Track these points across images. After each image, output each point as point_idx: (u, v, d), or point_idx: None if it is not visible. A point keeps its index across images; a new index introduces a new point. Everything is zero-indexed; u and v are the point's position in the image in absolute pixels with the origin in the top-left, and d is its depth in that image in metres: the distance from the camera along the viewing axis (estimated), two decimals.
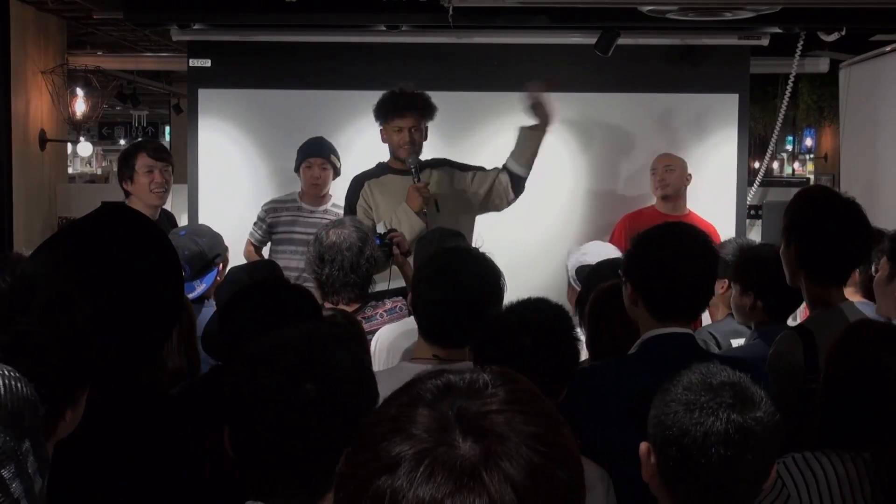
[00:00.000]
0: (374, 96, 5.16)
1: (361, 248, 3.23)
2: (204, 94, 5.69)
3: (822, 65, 6.04)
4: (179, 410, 1.96)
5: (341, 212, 4.75)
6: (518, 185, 4.58)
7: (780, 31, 5.33)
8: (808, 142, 12.54)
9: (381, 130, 4.44)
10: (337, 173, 4.90)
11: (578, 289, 3.58)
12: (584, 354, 2.86)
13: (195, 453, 1.75)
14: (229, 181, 5.67)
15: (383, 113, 4.39)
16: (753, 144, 8.78)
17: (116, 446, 1.65)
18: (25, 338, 1.22)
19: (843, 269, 2.67)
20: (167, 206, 5.02)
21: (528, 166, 4.60)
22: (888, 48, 5.41)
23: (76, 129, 7.36)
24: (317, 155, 4.83)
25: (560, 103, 5.52)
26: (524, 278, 3.85)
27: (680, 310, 2.32)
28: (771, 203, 5.51)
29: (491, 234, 4.66)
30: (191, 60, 5.70)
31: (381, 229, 3.95)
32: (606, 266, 3.32)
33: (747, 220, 5.66)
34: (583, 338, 2.87)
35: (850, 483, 1.92)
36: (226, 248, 3.67)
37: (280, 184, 5.38)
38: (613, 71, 5.42)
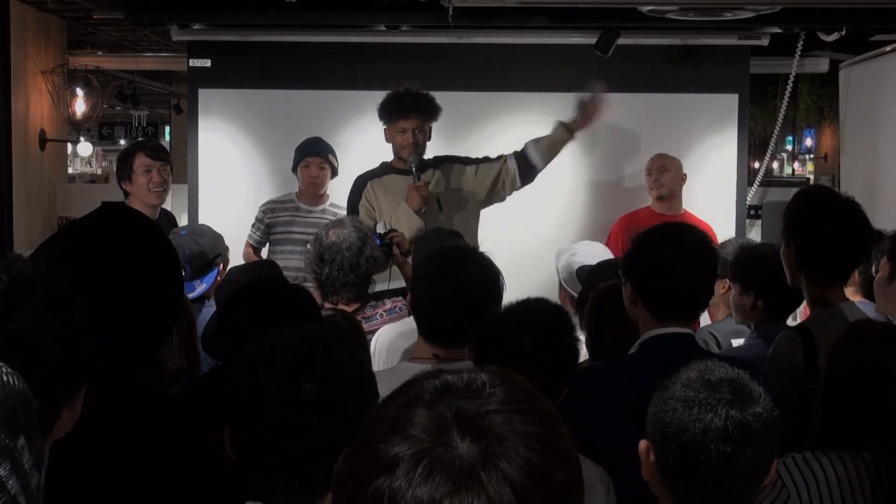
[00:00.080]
0: (374, 96, 5.16)
1: (361, 248, 3.23)
2: (204, 94, 5.69)
3: (822, 65, 6.05)
4: (179, 410, 1.96)
5: (339, 211, 4.76)
6: (528, 173, 4.61)
7: (780, 31, 5.33)
8: (808, 142, 12.55)
9: (384, 130, 4.45)
10: (335, 173, 4.90)
11: (569, 290, 3.58)
12: (584, 354, 2.86)
13: (195, 453, 1.75)
14: (229, 181, 5.67)
15: (387, 113, 4.39)
16: (753, 144, 8.79)
17: (116, 446, 1.65)
18: (20, 336, 1.21)
19: (843, 269, 2.67)
20: (167, 206, 5.02)
21: (546, 160, 4.65)
22: (888, 48, 5.41)
23: (76, 129, 7.36)
24: (315, 154, 4.83)
25: (560, 103, 5.53)
26: (524, 278, 3.84)
27: (680, 310, 2.32)
28: (771, 203, 5.51)
29: (491, 234, 4.68)
30: (191, 60, 5.70)
31: (381, 229, 3.96)
32: (606, 266, 3.32)
33: (747, 220, 5.66)
34: (583, 338, 2.87)
35: (850, 483, 1.92)
36: (226, 249, 3.67)
37: (280, 184, 5.38)
38: (613, 71, 5.41)
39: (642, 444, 1.73)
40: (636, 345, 2.34)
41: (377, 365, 2.85)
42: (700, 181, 5.53)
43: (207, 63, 5.65)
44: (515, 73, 5.55)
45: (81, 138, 7.82)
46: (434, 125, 4.47)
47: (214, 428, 1.56)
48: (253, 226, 4.95)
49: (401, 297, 3.35)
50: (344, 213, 4.70)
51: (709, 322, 3.57)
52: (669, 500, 1.73)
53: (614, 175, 5.59)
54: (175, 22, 5.55)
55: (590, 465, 2.06)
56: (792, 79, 5.66)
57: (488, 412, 0.82)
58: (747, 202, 5.63)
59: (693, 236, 2.39)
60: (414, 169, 4.32)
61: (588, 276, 3.43)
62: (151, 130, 13.51)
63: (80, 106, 6.90)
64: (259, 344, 1.53)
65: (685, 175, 5.13)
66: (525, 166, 4.60)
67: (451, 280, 2.42)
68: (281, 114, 5.60)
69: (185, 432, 1.77)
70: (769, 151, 6.31)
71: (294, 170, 4.89)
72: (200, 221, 5.30)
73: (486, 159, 4.64)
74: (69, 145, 7.84)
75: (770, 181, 6.68)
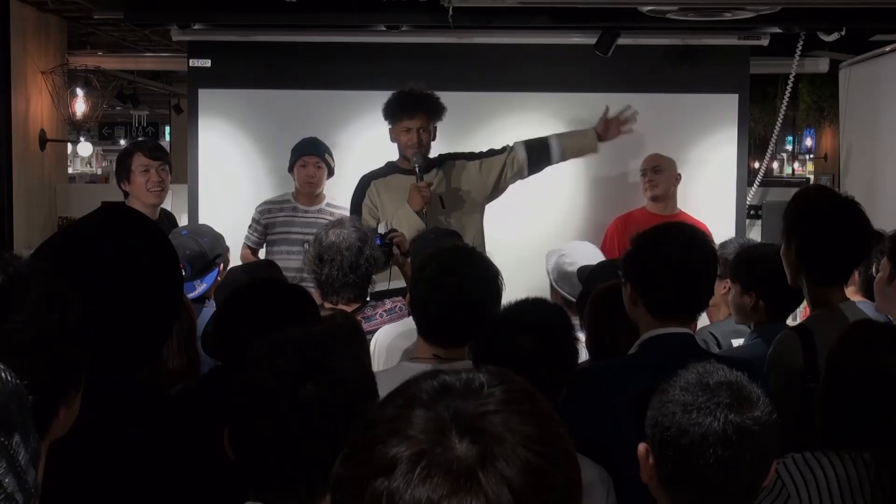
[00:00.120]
0: (374, 96, 5.17)
1: (361, 249, 3.23)
2: (204, 94, 5.69)
3: (822, 65, 6.04)
4: (179, 410, 1.96)
5: (336, 211, 4.78)
6: (539, 165, 4.67)
7: (780, 31, 5.33)
8: (808, 142, 12.54)
9: (389, 130, 4.46)
10: (331, 173, 4.91)
11: (561, 292, 3.58)
12: (584, 354, 2.86)
13: (195, 453, 1.75)
14: (229, 181, 5.67)
15: (392, 113, 4.40)
16: (753, 144, 8.78)
17: (115, 446, 1.65)
18: (15, 335, 1.21)
19: (843, 270, 2.67)
20: (167, 206, 5.03)
21: (563, 158, 4.74)
22: (888, 48, 5.41)
23: (76, 129, 7.36)
24: (312, 153, 4.83)
25: (560, 103, 5.55)
26: (524, 278, 3.83)
27: (680, 310, 2.33)
28: (771, 203, 5.51)
29: (491, 233, 4.69)
30: (191, 60, 5.70)
31: (382, 229, 3.96)
32: (606, 266, 3.32)
33: (747, 220, 5.66)
34: (583, 338, 2.87)
35: (850, 483, 1.92)
36: (227, 249, 3.67)
37: (279, 183, 5.38)
38: (613, 71, 5.42)
39: (641, 447, 1.73)
40: (636, 345, 2.34)
41: (377, 365, 2.85)
42: (700, 181, 5.52)
43: (207, 63, 5.65)
44: (515, 73, 5.55)
45: (81, 138, 7.81)
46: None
47: (214, 428, 1.56)
48: (249, 227, 4.94)
49: (400, 297, 3.35)
50: (341, 212, 4.72)
51: (707, 323, 3.56)
52: (668, 503, 1.73)
53: (615, 175, 5.59)
54: (175, 22, 5.55)
55: (590, 465, 2.06)
56: (792, 79, 5.66)
57: (486, 413, 0.82)
58: (747, 202, 5.63)
59: (693, 236, 2.39)
60: (417, 169, 4.33)
61: (588, 276, 3.43)
62: (151, 130, 13.51)
63: (80, 106, 6.90)
64: (259, 344, 1.53)
65: (679, 175, 5.14)
66: (538, 157, 4.66)
67: (450, 280, 2.42)
68: (281, 114, 5.60)
69: (185, 432, 1.77)
70: (769, 151, 6.30)
71: (290, 169, 4.89)
72: (200, 221, 5.30)
73: (491, 152, 4.69)
74: (69, 145, 7.84)
75: (770, 181, 6.68)
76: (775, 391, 2.38)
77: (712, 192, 5.52)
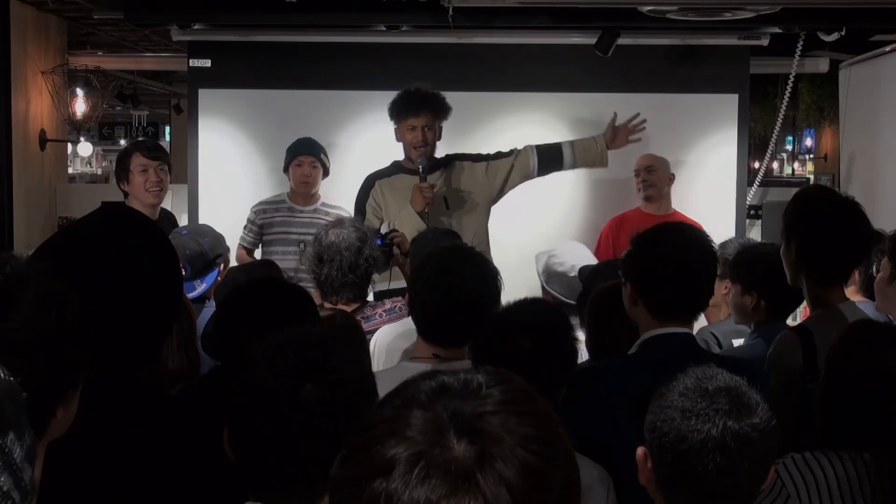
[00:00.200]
0: (374, 96, 5.17)
1: (360, 249, 3.23)
2: (204, 94, 5.69)
3: (822, 65, 6.05)
4: (179, 410, 1.96)
5: (331, 211, 4.79)
6: (549, 169, 4.68)
7: (780, 31, 5.33)
8: (808, 142, 12.55)
9: (395, 129, 4.46)
10: (326, 173, 4.91)
11: (552, 292, 3.58)
12: (584, 354, 2.86)
13: (195, 453, 1.75)
14: (229, 181, 5.67)
15: (397, 111, 4.41)
16: (753, 144, 8.78)
17: (115, 446, 1.65)
18: (12, 335, 1.21)
19: (842, 270, 2.67)
20: (167, 206, 5.03)
21: (574, 166, 4.77)
22: (888, 48, 5.41)
23: (76, 129, 7.36)
24: (307, 153, 4.84)
25: (560, 103, 5.55)
26: (524, 278, 3.84)
27: (680, 309, 2.32)
28: (771, 203, 5.51)
29: (492, 234, 4.69)
30: (191, 60, 5.70)
31: (384, 230, 3.97)
32: (606, 266, 3.32)
33: (747, 220, 5.66)
34: (582, 338, 2.87)
35: (850, 483, 1.92)
36: (227, 249, 3.67)
37: (279, 184, 5.37)
38: (613, 71, 5.42)
39: (640, 450, 1.73)
40: (636, 345, 2.34)
41: (376, 365, 2.85)
42: (700, 181, 5.53)
43: (207, 63, 5.65)
44: (515, 73, 5.56)
45: (81, 138, 7.81)
46: None
47: (214, 428, 1.56)
48: (245, 228, 4.94)
49: (400, 297, 3.35)
50: (336, 212, 4.75)
51: (705, 323, 3.56)
52: None
53: (615, 175, 5.58)
54: (175, 22, 5.55)
55: (590, 465, 2.06)
56: (792, 79, 5.66)
57: (485, 413, 0.82)
58: (747, 202, 5.63)
59: (692, 236, 2.39)
60: (421, 169, 4.33)
61: (588, 276, 3.43)
62: (151, 130, 13.50)
63: (80, 106, 6.90)
64: (259, 344, 1.53)
65: (673, 175, 5.14)
66: (548, 164, 4.66)
67: (448, 280, 2.42)
68: (281, 114, 5.60)
69: (185, 432, 1.77)
70: (769, 151, 6.31)
71: (285, 170, 4.89)
72: (200, 221, 5.30)
73: (498, 154, 4.69)
74: (69, 145, 7.84)
75: (770, 181, 6.68)
76: (775, 391, 2.39)
77: (712, 192, 5.52)
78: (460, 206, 4.50)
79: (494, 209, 4.75)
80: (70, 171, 10.71)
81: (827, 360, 2.09)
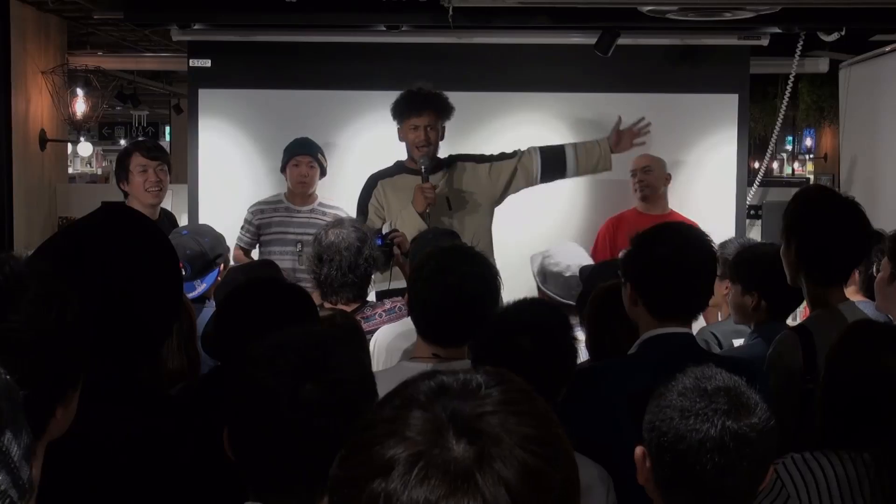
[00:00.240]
0: (375, 96, 5.17)
1: (360, 249, 3.23)
2: (204, 94, 5.69)
3: (822, 65, 6.05)
4: (179, 410, 1.96)
5: (328, 211, 4.80)
6: (550, 174, 4.69)
7: (780, 31, 5.33)
8: (808, 142, 12.56)
9: (398, 129, 4.46)
10: (323, 173, 4.92)
11: (548, 293, 3.58)
12: (584, 354, 2.86)
13: (195, 453, 1.75)
14: (229, 181, 5.67)
15: (400, 111, 4.41)
16: (753, 144, 8.79)
17: (115, 446, 1.65)
18: (11, 335, 1.21)
19: (842, 270, 2.67)
20: (168, 206, 5.03)
21: (577, 173, 4.77)
22: (888, 48, 5.41)
23: (76, 129, 7.36)
24: (305, 153, 4.84)
25: (560, 103, 5.55)
26: (525, 278, 3.84)
27: (680, 309, 2.32)
28: (771, 203, 5.51)
29: (494, 234, 4.68)
30: (191, 60, 5.70)
31: (386, 229, 3.97)
32: (607, 266, 3.32)
33: (747, 220, 5.66)
34: (582, 338, 2.86)
35: (850, 484, 1.92)
36: (228, 249, 3.67)
37: (279, 184, 5.37)
38: (613, 71, 5.42)
39: (638, 450, 1.73)
40: (636, 345, 2.34)
41: (376, 365, 2.85)
42: (700, 181, 5.53)
43: (207, 63, 5.65)
44: (515, 73, 5.56)
45: (81, 138, 7.81)
46: None
47: (214, 428, 1.56)
48: (242, 228, 4.93)
49: (400, 297, 3.35)
50: (333, 212, 4.76)
51: (703, 323, 3.56)
52: None
53: (615, 175, 5.57)
54: (175, 22, 5.55)
55: (590, 464, 2.06)
56: (792, 79, 5.66)
57: (484, 413, 0.82)
58: (747, 202, 5.63)
59: (692, 236, 2.39)
60: (423, 170, 4.34)
61: (588, 276, 3.43)
62: (151, 130, 13.50)
63: (80, 106, 6.90)
64: (259, 344, 1.53)
65: (669, 175, 5.13)
66: (552, 167, 4.66)
67: (447, 279, 2.42)
68: (281, 114, 5.60)
69: (185, 432, 1.77)
70: (769, 151, 6.31)
71: (283, 170, 4.90)
72: (200, 221, 5.30)
73: (502, 155, 4.68)
74: (69, 145, 7.84)
75: (770, 181, 6.68)
76: (775, 391, 2.39)
77: (712, 192, 5.52)
78: (463, 207, 4.50)
79: (496, 209, 4.74)
80: (70, 171, 10.71)
81: (827, 360, 2.09)
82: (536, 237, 5.33)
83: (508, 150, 4.74)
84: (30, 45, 6.17)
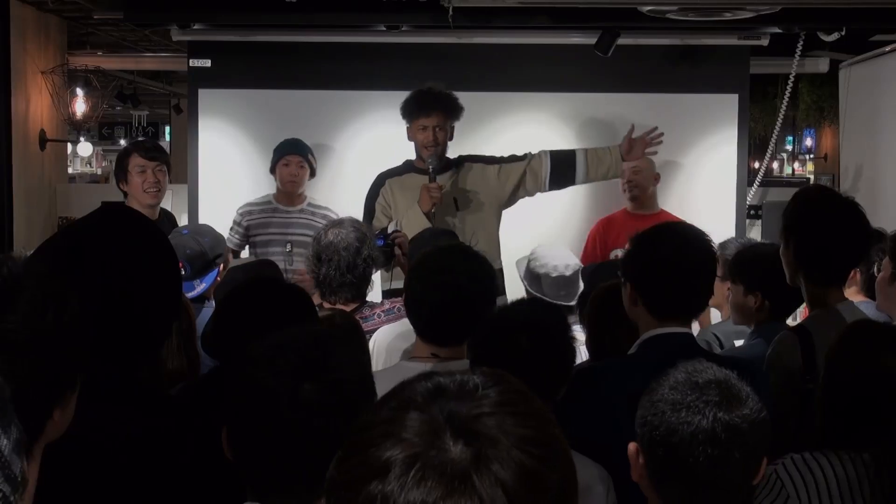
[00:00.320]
0: (374, 96, 5.16)
1: (359, 249, 3.23)
2: (204, 94, 5.69)
3: (822, 65, 6.05)
4: (179, 410, 1.96)
5: (317, 211, 4.83)
6: (560, 180, 4.68)
7: (780, 31, 5.33)
8: (808, 142, 12.55)
9: (406, 128, 4.47)
10: (313, 173, 4.92)
11: (536, 296, 3.58)
12: (583, 354, 2.86)
13: (195, 453, 1.75)
14: (229, 181, 5.67)
15: (409, 111, 4.42)
16: (753, 144, 8.78)
17: (115, 446, 1.65)
18: (7, 335, 1.21)
19: (841, 270, 2.67)
20: (167, 206, 5.03)
21: (587, 180, 4.76)
22: (888, 48, 5.41)
23: (76, 129, 7.36)
24: (294, 153, 4.85)
25: (560, 103, 5.55)
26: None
27: (679, 309, 2.33)
28: (771, 203, 5.51)
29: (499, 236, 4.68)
30: (191, 60, 5.70)
31: (392, 228, 3.98)
32: (606, 266, 3.32)
33: (747, 220, 5.66)
34: (582, 338, 2.87)
35: (850, 484, 1.92)
36: (227, 249, 3.67)
37: None
38: (613, 71, 5.42)
39: (631, 446, 1.73)
40: (636, 345, 2.34)
41: (376, 365, 2.85)
42: (700, 181, 5.53)
43: (207, 63, 5.65)
44: (515, 73, 5.56)
45: (81, 138, 7.81)
46: None
47: (214, 428, 1.56)
48: (231, 229, 4.92)
49: (399, 298, 3.35)
50: (323, 212, 4.80)
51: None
52: (659, 502, 1.73)
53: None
54: (175, 22, 5.55)
55: (590, 464, 2.06)
56: (792, 79, 5.66)
57: (481, 414, 0.82)
58: (747, 202, 5.63)
59: (692, 235, 2.39)
60: (431, 170, 4.34)
61: (588, 276, 3.43)
62: (151, 130, 13.50)
63: (80, 106, 6.90)
64: (259, 344, 1.53)
65: (658, 175, 5.12)
66: (562, 172, 4.65)
67: (443, 279, 2.41)
68: (281, 114, 5.60)
69: (185, 432, 1.77)
70: (769, 151, 6.31)
71: (272, 170, 4.90)
72: (200, 221, 5.30)
73: (512, 157, 4.67)
74: (69, 145, 7.84)
75: (770, 181, 6.68)
76: (774, 391, 2.39)
77: (712, 192, 5.52)
78: (469, 208, 4.50)
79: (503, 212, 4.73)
80: (70, 171, 10.71)
81: (826, 360, 2.09)
82: (537, 238, 5.34)
83: (514, 152, 4.73)
84: (30, 45, 6.17)
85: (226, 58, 5.64)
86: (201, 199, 5.69)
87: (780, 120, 5.97)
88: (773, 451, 1.94)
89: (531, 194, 4.71)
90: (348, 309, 3.15)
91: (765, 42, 5.48)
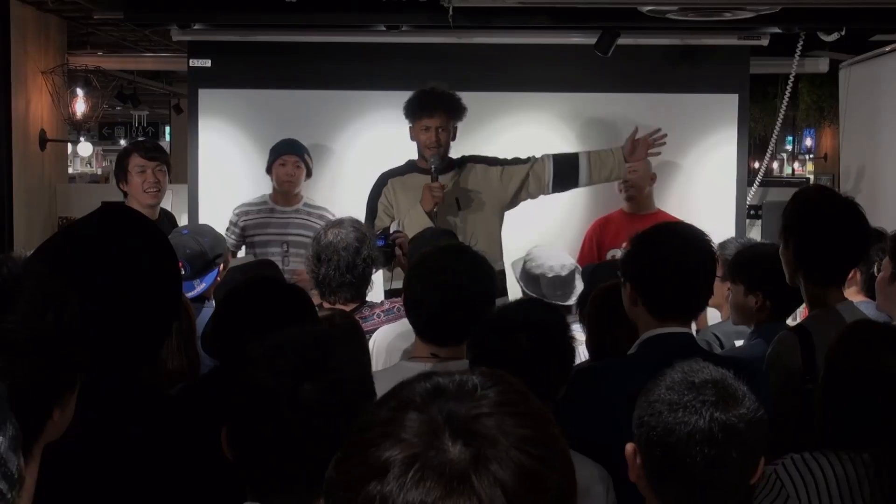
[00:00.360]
0: (374, 96, 5.16)
1: (358, 249, 3.23)
2: (204, 94, 5.69)
3: (822, 65, 6.04)
4: (179, 410, 1.96)
5: (313, 211, 4.83)
6: (563, 182, 4.67)
7: (780, 31, 5.33)
8: (808, 142, 12.55)
9: (409, 128, 4.47)
10: (309, 174, 4.92)
11: (532, 295, 3.58)
12: (583, 354, 2.86)
13: (195, 453, 1.75)
14: (229, 181, 5.67)
15: (412, 111, 4.42)
16: (753, 144, 8.78)
17: (115, 446, 1.65)
18: (8, 336, 1.21)
19: (840, 270, 2.67)
20: (167, 206, 5.03)
21: (590, 182, 4.74)
22: (888, 48, 5.41)
23: (76, 129, 7.36)
24: (291, 153, 4.85)
25: (560, 103, 5.54)
26: None
27: (679, 309, 2.33)
28: (771, 203, 5.51)
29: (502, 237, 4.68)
30: (191, 60, 5.70)
31: (394, 227, 3.98)
32: (607, 266, 3.32)
33: (747, 220, 5.66)
34: (582, 338, 2.87)
35: (850, 484, 1.92)
36: (227, 249, 3.67)
37: None
38: (613, 71, 5.42)
39: (629, 446, 1.73)
40: (636, 345, 2.34)
41: (376, 366, 2.85)
42: (700, 181, 5.53)
43: (207, 63, 5.65)
44: (515, 73, 5.55)
45: (81, 138, 7.81)
46: None
47: (214, 428, 1.56)
48: (227, 230, 4.91)
49: (399, 298, 3.35)
50: (319, 212, 4.80)
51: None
52: (656, 502, 1.73)
53: None
54: (175, 22, 5.55)
55: (590, 464, 2.06)
56: (792, 79, 5.66)
57: (480, 415, 0.81)
58: (747, 202, 5.63)
59: (692, 236, 2.39)
60: (433, 169, 4.34)
61: (589, 276, 3.43)
62: (151, 130, 13.50)
63: (80, 106, 6.90)
64: (259, 344, 1.53)
65: (654, 174, 5.12)
66: (565, 175, 4.65)
67: (442, 279, 2.42)
68: (281, 114, 5.60)
69: (185, 432, 1.77)
70: (769, 151, 6.31)
71: (268, 170, 4.90)
72: (200, 221, 5.30)
73: (516, 160, 4.66)
74: (69, 145, 7.84)
75: (770, 181, 6.68)
76: (774, 391, 2.39)
77: (712, 192, 5.52)
78: (471, 209, 4.51)
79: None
80: (70, 171, 10.71)
81: (826, 360, 2.09)
82: (536, 239, 5.34)
83: (513, 152, 4.73)
84: (30, 45, 6.17)
85: (226, 58, 5.64)
86: (201, 199, 5.68)
87: (780, 120, 5.97)
88: (773, 451, 1.95)
89: (534, 197, 4.71)
90: (348, 309, 3.15)
91: (765, 42, 5.48)
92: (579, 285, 3.64)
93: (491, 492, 0.77)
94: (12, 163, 5.86)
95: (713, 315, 3.88)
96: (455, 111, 4.43)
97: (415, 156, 4.57)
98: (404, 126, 4.54)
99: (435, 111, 4.38)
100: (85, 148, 8.26)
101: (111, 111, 11.29)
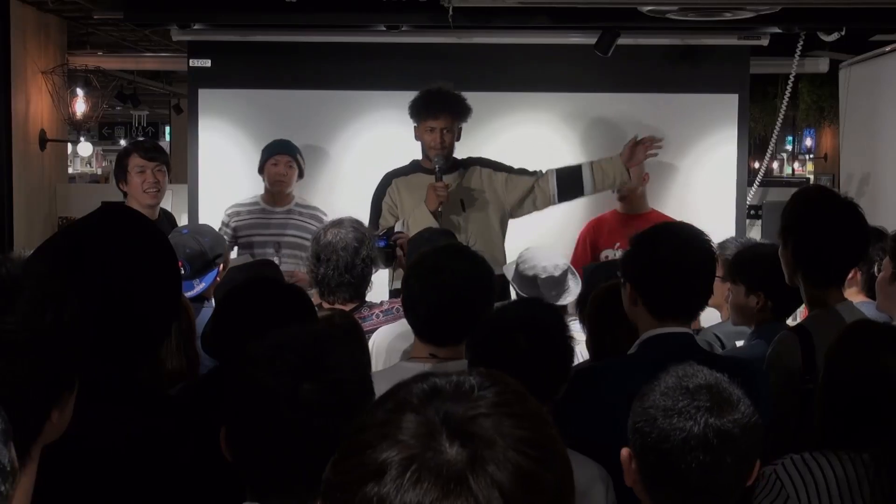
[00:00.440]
0: (374, 96, 5.16)
1: (357, 249, 3.23)
2: (204, 94, 5.69)
3: (822, 65, 6.04)
4: (179, 410, 1.96)
5: (305, 211, 4.84)
6: (568, 194, 4.68)
7: (780, 31, 5.33)
8: (808, 142, 12.55)
9: (414, 128, 4.48)
10: (301, 174, 4.93)
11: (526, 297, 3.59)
12: (583, 354, 2.86)
13: (195, 453, 1.75)
14: (229, 181, 5.66)
15: (417, 112, 4.42)
16: (753, 144, 8.78)
17: (114, 446, 1.65)
18: (7, 336, 1.21)
19: (839, 270, 2.67)
20: (167, 206, 5.03)
21: (595, 191, 4.75)
22: (888, 48, 5.41)
23: (76, 129, 7.36)
24: (283, 153, 4.86)
25: (560, 103, 5.54)
26: None
27: (679, 309, 2.32)
28: (771, 203, 5.51)
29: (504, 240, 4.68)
30: (191, 60, 5.70)
31: (398, 227, 3.98)
32: (606, 266, 3.32)
33: (747, 220, 5.66)
34: (582, 338, 2.87)
35: (849, 484, 1.92)
36: (227, 249, 3.67)
37: None
38: (613, 71, 5.41)
39: (624, 451, 1.73)
40: (636, 345, 2.34)
41: (376, 366, 2.84)
42: (700, 181, 5.53)
43: (207, 63, 5.65)
44: (515, 73, 5.55)
45: (81, 138, 7.81)
46: None
47: (214, 428, 1.56)
48: (219, 231, 4.92)
49: (398, 298, 3.35)
50: (311, 211, 4.79)
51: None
52: None
53: None
54: (175, 22, 5.55)
55: (589, 464, 2.06)
56: (792, 79, 5.66)
57: (477, 416, 0.81)
58: (747, 202, 5.63)
59: (691, 236, 2.39)
60: (437, 169, 4.34)
61: (589, 275, 3.43)
62: (151, 130, 13.50)
63: (80, 106, 6.90)
64: (258, 344, 1.53)
65: (647, 174, 5.12)
66: (569, 187, 4.65)
67: (440, 278, 2.41)
68: (281, 114, 5.59)
69: (185, 432, 1.77)
70: (769, 151, 6.30)
71: (260, 170, 4.90)
72: (200, 221, 5.30)
73: (523, 171, 4.66)
74: (69, 145, 7.84)
75: (770, 181, 6.68)
76: (774, 391, 2.39)
77: (712, 192, 5.52)
78: (474, 210, 4.51)
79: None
80: (70, 171, 10.71)
81: (826, 360, 2.09)
82: (537, 239, 5.33)
83: (513, 152, 4.75)
84: (30, 45, 6.17)
85: (226, 58, 5.64)
86: (201, 199, 5.68)
87: (780, 120, 5.97)
88: (773, 451, 1.95)
89: (540, 209, 4.73)
90: (347, 309, 3.15)
91: (765, 42, 5.48)
92: (572, 285, 3.64)
93: (488, 493, 0.77)
94: (12, 163, 5.86)
95: (713, 315, 3.88)
96: (460, 113, 4.43)
97: (415, 156, 4.57)
98: (405, 126, 4.54)
99: (440, 113, 4.38)
100: (85, 148, 8.26)
101: (111, 111, 11.29)
